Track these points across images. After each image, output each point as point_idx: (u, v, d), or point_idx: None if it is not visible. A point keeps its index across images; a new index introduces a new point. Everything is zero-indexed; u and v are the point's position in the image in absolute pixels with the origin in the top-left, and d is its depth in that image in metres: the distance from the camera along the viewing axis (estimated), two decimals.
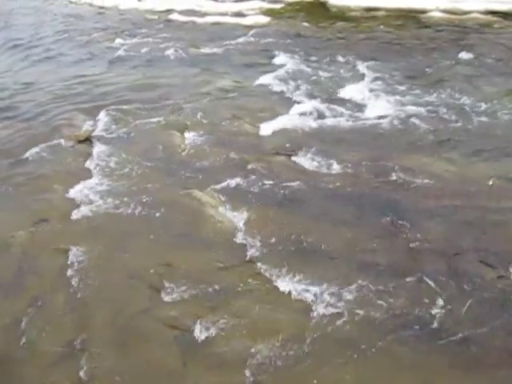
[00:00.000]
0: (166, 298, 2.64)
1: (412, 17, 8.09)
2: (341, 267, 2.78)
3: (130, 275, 2.83)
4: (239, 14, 9.28)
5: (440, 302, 2.51)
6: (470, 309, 2.48)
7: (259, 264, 2.82)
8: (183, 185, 3.64)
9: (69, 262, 2.92)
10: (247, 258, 2.88)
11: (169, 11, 9.90)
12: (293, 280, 2.68)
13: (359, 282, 2.64)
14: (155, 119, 4.74)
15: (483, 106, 4.60)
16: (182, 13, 9.62)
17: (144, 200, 3.46)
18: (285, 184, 3.55)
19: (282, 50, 6.71)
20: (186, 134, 4.39)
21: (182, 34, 8.09)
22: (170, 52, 7.03)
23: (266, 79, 5.61)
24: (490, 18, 7.59)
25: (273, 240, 3.00)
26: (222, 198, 3.43)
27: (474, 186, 3.47)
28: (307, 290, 2.60)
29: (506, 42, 6.45)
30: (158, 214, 3.31)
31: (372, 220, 3.16)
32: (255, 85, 5.52)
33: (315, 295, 2.57)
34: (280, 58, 6.36)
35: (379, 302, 2.53)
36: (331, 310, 2.48)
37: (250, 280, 2.72)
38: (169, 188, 3.63)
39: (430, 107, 4.64)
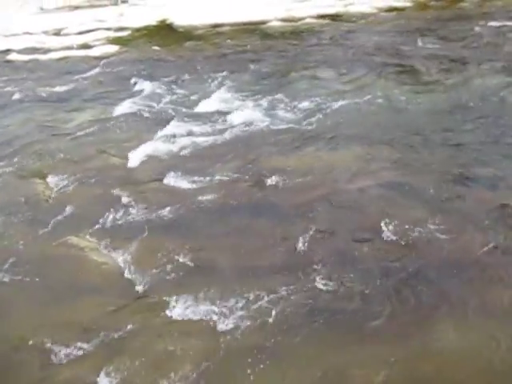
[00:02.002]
0: (62, 361, 2.43)
1: (255, 28, 8.58)
2: (233, 280, 2.81)
3: (13, 347, 2.55)
4: (86, 46, 8.96)
5: (330, 295, 2.67)
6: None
7: (152, 297, 2.73)
8: (55, 234, 3.39)
9: None
10: (139, 293, 2.78)
11: (6, 52, 9.18)
12: (189, 305, 2.63)
13: (254, 291, 2.68)
14: (9, 169, 4.36)
15: (331, 101, 5.05)
16: (21, 52, 8.98)
17: (13, 261, 3.15)
18: (164, 209, 3.50)
19: (136, 76, 6.64)
20: (49, 179, 4.10)
21: (27, 74, 7.56)
22: (15, 96, 6.51)
23: (125, 108, 5.51)
24: (321, 21, 8.38)
25: (162, 269, 2.94)
26: (101, 239, 3.26)
27: (340, 174, 3.77)
28: (205, 311, 2.58)
29: (339, 40, 7.19)
30: (33, 273, 3.04)
31: (255, 227, 3.26)
32: (116, 115, 5.38)
33: (214, 314, 2.56)
34: (136, 85, 6.29)
35: (276, 306, 2.60)
36: (232, 324, 2.49)
37: (145, 316, 2.63)
38: (40, 241, 3.35)
39: (286, 109, 4.97)
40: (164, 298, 2.70)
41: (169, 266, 2.94)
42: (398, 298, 2.60)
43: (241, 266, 2.92)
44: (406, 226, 3.08)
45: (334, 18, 8.47)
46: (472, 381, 2.18)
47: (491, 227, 3.03)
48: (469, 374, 2.20)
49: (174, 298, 2.70)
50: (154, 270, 2.92)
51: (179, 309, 2.62)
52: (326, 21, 8.35)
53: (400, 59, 6.11)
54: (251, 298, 2.64)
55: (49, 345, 2.50)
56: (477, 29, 6.97)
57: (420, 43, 6.52)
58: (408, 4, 8.88)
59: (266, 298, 2.64)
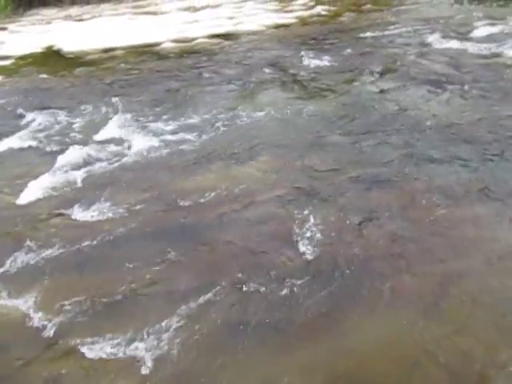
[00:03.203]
0: None
1: (148, 51, 8.52)
2: (153, 311, 2.75)
3: None
4: None
5: (248, 308, 2.73)
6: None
7: (65, 342, 2.57)
8: None
9: None
10: (49, 341, 2.60)
11: None
12: (106, 345, 2.52)
13: (176, 317, 2.67)
14: None
15: (229, 118, 5.18)
16: None
17: None
18: (70, 246, 3.33)
19: (24, 107, 6.23)
20: None
21: None
22: None
23: (15, 142, 5.13)
24: (213, 40, 8.57)
25: (76, 309, 2.78)
26: (1, 287, 3.02)
27: (248, 186, 3.86)
28: (125, 349, 2.49)
29: (232, 58, 7.40)
30: None
31: (170, 253, 3.21)
32: (3, 150, 5.01)
33: (136, 350, 2.48)
34: (25, 117, 5.89)
35: (197, 329, 2.61)
36: (156, 356, 2.44)
37: (62, 363, 2.47)
38: None
39: (186, 128, 4.99)
40: (78, 341, 2.56)
41: (81, 307, 2.79)
42: (312, 300, 2.73)
43: (159, 294, 2.87)
44: (317, 230, 3.25)
45: (225, 37, 8.70)
46: (392, 371, 2.32)
47: (392, 221, 3.31)
48: (388, 364, 2.35)
49: (89, 339, 2.56)
50: (68, 311, 2.76)
51: (96, 350, 2.50)
52: (218, 40, 8.55)
53: (289, 72, 6.45)
54: (173, 326, 2.61)
55: None
56: (356, 40, 7.59)
57: (306, 56, 6.95)
58: (293, 20, 9.41)
59: (187, 323, 2.63)
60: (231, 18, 10.08)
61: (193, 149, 4.59)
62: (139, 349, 2.49)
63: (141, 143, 4.72)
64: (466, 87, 5.32)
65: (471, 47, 6.53)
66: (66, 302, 2.84)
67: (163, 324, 2.62)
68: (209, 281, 2.94)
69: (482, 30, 7.14)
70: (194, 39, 8.72)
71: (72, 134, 5.21)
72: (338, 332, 2.55)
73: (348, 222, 3.33)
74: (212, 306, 2.73)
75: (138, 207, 3.74)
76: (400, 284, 2.83)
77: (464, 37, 7.01)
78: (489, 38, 6.77)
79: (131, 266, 3.12)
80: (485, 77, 5.52)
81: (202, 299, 2.78)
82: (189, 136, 4.83)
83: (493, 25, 7.30)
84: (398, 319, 2.59)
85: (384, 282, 2.83)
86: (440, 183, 3.68)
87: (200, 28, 9.43)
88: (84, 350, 2.52)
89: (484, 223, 3.23)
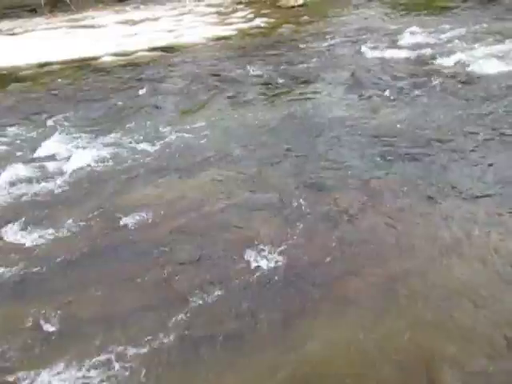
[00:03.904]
0: None
1: (86, 65, 8.26)
2: (102, 334, 2.65)
3: None
4: None
5: (203, 322, 2.70)
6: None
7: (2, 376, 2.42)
8: None
9: None
10: None
11: None
12: (53, 375, 2.39)
13: (126, 338, 2.59)
14: None
15: (172, 131, 5.11)
16: None
17: None
18: (5, 272, 3.15)
19: None
20: None
21: None
22: None
23: None
24: (154, 53, 8.45)
25: (10, 339, 2.63)
26: None
27: (196, 199, 3.82)
28: (75, 378, 2.37)
29: (173, 71, 7.33)
30: None
31: (117, 272, 3.13)
32: None
33: (86, 378, 2.37)
34: None
35: (154, 348, 2.55)
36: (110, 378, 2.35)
37: None
38: None
39: (128, 143, 4.89)
40: (12, 379, 2.40)
41: (15, 338, 2.63)
42: (265, 309, 2.75)
43: (106, 317, 2.76)
44: (267, 239, 3.27)
45: (166, 49, 8.62)
46: (346, 372, 2.36)
47: (340, 226, 3.38)
48: (342, 365, 2.40)
49: (33, 372, 2.41)
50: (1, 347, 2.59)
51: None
52: (159, 53, 8.45)
53: (231, 84, 6.48)
54: (123, 349, 2.52)
55: None
56: (295, 50, 7.78)
57: (247, 67, 7.02)
58: (233, 33, 9.48)
59: (139, 343, 2.55)
60: (171, 31, 10.01)
61: (136, 164, 4.49)
62: (88, 377, 2.37)
63: (81, 160, 4.55)
64: (398, 93, 5.58)
65: (403, 55, 6.88)
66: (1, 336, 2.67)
67: (112, 349, 2.53)
68: (160, 299, 2.88)
69: (412, 38, 7.54)
70: (134, 52, 8.57)
71: (6, 153, 4.95)
72: (292, 338, 2.56)
73: (297, 229, 3.37)
74: (163, 325, 2.67)
75: (81, 226, 3.60)
76: (350, 286, 2.89)
77: (396, 45, 7.36)
78: (419, 46, 7.15)
79: (73, 290, 2.98)
80: (416, 83, 5.81)
81: (152, 318, 2.71)
82: (132, 151, 4.72)
83: (422, 33, 7.72)
84: (349, 320, 2.65)
85: (334, 285, 2.89)
86: (379, 187, 3.82)
87: (140, 41, 9.29)
88: None
89: (425, 222, 3.38)
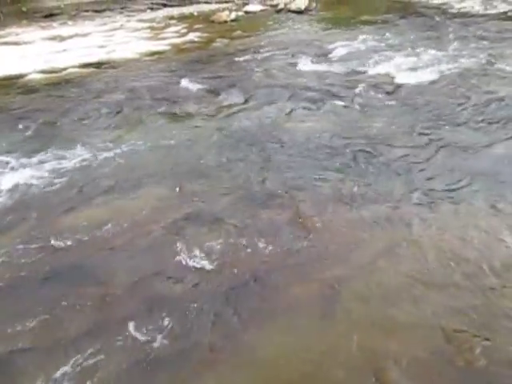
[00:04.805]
0: None
1: (13, 83, 7.87)
2: (42, 361, 2.55)
3: None
4: None
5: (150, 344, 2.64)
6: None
7: None
8: None
9: None
10: None
11: None
12: None
13: (70, 367, 2.50)
14: None
15: (108, 149, 4.98)
16: None
17: None
18: None
19: None
20: None
21: None
22: None
23: None
24: (85, 70, 8.21)
25: None
26: None
27: (138, 217, 3.74)
28: None
29: (107, 87, 7.14)
30: None
31: (54, 298, 2.99)
32: None
33: None
34: None
35: (96, 368, 2.47)
36: None
37: None
38: None
39: (61, 163, 4.70)
40: None
41: None
42: (215, 321, 2.75)
43: (48, 345, 2.65)
44: (212, 252, 3.28)
45: (98, 65, 8.40)
46: (296, 376, 2.42)
47: (282, 236, 3.45)
48: (292, 370, 2.45)
49: None
50: None
51: None
52: (91, 69, 8.21)
53: (167, 99, 6.44)
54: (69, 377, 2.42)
55: None
56: (229, 64, 7.88)
57: (183, 81, 7.01)
58: (167, 47, 9.43)
59: (84, 371, 2.46)
60: (102, 47, 9.78)
61: (72, 184, 4.33)
62: None
63: (13, 182, 4.34)
64: (330, 103, 5.81)
65: (333, 67, 7.19)
66: None
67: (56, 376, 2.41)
68: (103, 321, 2.79)
69: (339, 51, 7.92)
70: (63, 69, 8.27)
71: None
72: (242, 348, 2.58)
73: (240, 241, 3.39)
74: (108, 349, 2.58)
75: (17, 252, 3.41)
76: (295, 293, 2.95)
77: (327, 58, 7.68)
78: (347, 58, 7.51)
79: (10, 319, 2.83)
80: (344, 93, 6.09)
81: (96, 343, 2.62)
82: (66, 171, 4.54)
83: (348, 45, 8.14)
84: (297, 326, 2.71)
85: (281, 293, 2.94)
86: (316, 195, 3.93)
87: (70, 57, 8.99)
88: None
89: (362, 227, 3.52)
